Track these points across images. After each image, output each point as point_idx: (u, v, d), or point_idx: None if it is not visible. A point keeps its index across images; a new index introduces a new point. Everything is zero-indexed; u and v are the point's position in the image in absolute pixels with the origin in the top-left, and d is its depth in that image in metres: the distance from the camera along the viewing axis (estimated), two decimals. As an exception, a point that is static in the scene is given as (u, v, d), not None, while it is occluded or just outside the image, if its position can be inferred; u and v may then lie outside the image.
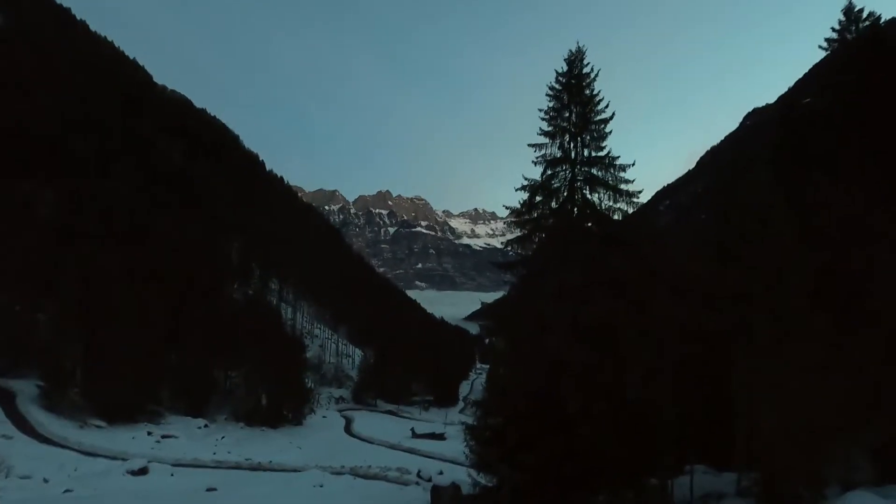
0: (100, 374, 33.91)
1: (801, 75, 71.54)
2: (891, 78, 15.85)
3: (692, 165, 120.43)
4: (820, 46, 24.60)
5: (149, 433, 33.67)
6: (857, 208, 11.09)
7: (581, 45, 16.25)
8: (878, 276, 10.51)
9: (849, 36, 19.72)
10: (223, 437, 37.44)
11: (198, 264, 53.05)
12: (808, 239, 11.14)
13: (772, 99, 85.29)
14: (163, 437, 33.56)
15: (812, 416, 9.32)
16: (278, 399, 47.14)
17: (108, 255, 38.85)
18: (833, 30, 21.33)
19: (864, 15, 19.95)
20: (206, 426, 39.70)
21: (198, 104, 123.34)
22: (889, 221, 10.98)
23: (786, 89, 79.54)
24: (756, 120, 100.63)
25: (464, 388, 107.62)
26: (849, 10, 18.96)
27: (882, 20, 19.83)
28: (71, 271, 37.65)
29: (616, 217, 15.67)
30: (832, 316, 10.03)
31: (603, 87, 16.01)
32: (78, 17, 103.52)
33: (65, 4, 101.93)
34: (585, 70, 16.05)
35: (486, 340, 24.23)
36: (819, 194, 11.80)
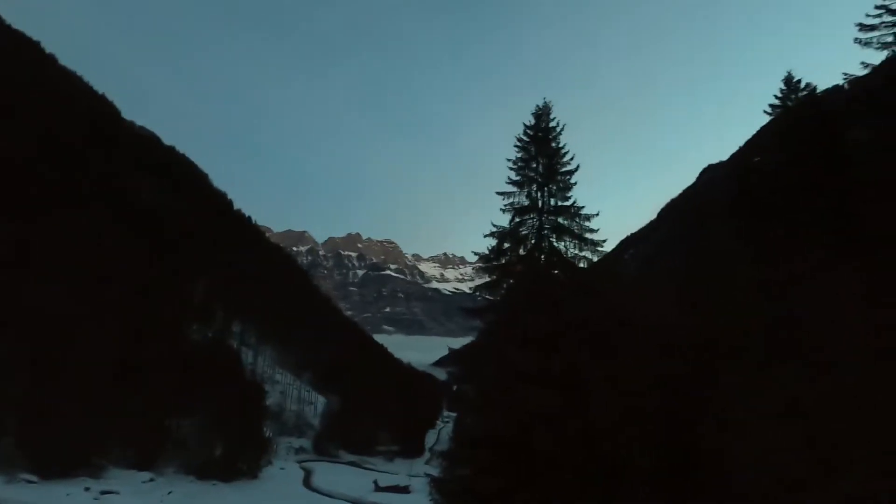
0: (38, 422, 31.30)
1: (750, 135, 77.16)
2: (830, 139, 17.30)
3: (655, 217, 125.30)
4: (765, 111, 26.99)
5: (86, 489, 31.01)
6: (814, 263, 11.62)
7: (547, 101, 17.19)
8: (835, 328, 10.82)
9: (789, 103, 21.73)
10: (170, 493, 34.80)
11: (157, 304, 50.74)
12: (768, 291, 11.57)
13: (724, 156, 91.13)
14: (102, 493, 30.97)
15: (779, 466, 9.31)
16: (234, 450, 44.46)
17: (59, 291, 36.70)
18: (775, 97, 23.57)
19: (802, 85, 22.18)
20: (151, 480, 36.88)
21: (167, 142, 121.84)
22: (843, 277, 11.49)
23: (737, 148, 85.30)
24: (711, 175, 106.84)
25: (430, 438, 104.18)
26: (789, 80, 21.05)
27: (817, 90, 22.10)
28: (19, 308, 35.28)
29: (581, 265, 16.09)
30: (791, 366, 10.25)
31: (569, 140, 16.84)
32: (47, 51, 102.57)
33: (35, 38, 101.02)
34: (552, 124, 16.90)
35: (454, 387, 23.80)
36: (777, 248, 12.39)
